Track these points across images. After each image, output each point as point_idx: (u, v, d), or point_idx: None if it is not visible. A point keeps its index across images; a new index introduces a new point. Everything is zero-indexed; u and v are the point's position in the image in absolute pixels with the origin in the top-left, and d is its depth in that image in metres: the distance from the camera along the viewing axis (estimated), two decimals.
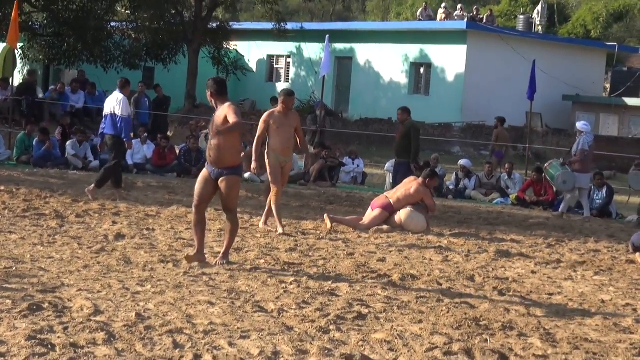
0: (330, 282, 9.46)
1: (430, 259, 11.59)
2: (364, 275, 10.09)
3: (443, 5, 44.01)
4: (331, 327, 7.48)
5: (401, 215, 13.99)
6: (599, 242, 14.48)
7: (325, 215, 13.87)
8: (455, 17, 41.47)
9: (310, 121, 27.10)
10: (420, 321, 7.98)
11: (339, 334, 7.32)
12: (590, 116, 38.33)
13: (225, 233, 10.30)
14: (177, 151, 21.76)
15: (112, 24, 35.55)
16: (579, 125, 18.56)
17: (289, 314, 7.89)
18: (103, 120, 15.61)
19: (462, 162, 22.36)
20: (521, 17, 43.95)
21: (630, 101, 38.14)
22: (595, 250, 13.58)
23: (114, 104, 15.31)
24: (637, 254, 12.38)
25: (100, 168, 20.37)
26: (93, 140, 21.79)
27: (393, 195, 14.28)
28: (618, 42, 46.06)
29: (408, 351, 6.89)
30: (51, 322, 7.06)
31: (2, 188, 15.45)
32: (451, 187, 21.43)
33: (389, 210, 14.05)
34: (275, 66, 43.14)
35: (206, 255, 10.22)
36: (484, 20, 40.16)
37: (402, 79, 38.32)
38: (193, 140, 21.71)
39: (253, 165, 12.85)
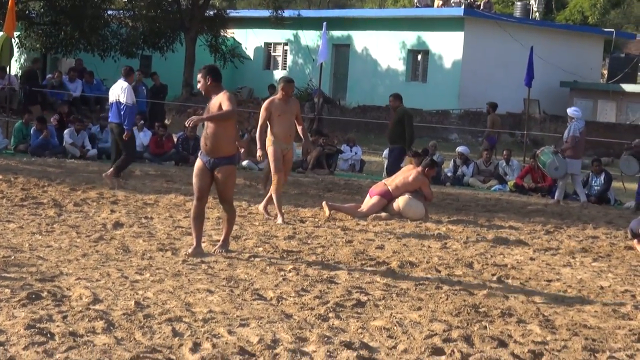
0: (328, 270, 9.47)
1: (429, 246, 11.59)
2: (363, 262, 10.09)
3: None
4: (330, 315, 7.48)
5: (399, 203, 13.99)
6: (597, 228, 14.49)
7: (324, 203, 13.86)
8: (453, 4, 41.36)
9: (307, 109, 27.09)
10: (419, 308, 7.98)
11: (338, 321, 7.32)
12: (588, 102, 38.32)
13: (223, 222, 10.29)
14: (175, 139, 21.75)
15: (109, 12, 35.49)
16: (570, 111, 18.56)
17: (288, 302, 7.89)
18: (109, 108, 15.75)
19: (459, 149, 22.35)
20: (518, 3, 43.83)
21: (628, 87, 38.12)
22: (594, 236, 13.59)
23: (119, 92, 15.42)
24: (636, 240, 12.38)
25: (98, 157, 20.49)
26: (91, 128, 21.78)
27: (391, 182, 14.27)
28: (615, 29, 46.02)
29: (407, 338, 6.89)
30: (50, 310, 7.06)
31: (0, 177, 15.43)
32: (449, 174, 21.44)
33: (387, 197, 14.05)
34: (272, 54, 43.06)
35: (204, 244, 10.21)
36: (481, 7, 40.06)
37: (400, 66, 38.27)
38: (191, 129, 21.66)
39: (258, 153, 12.82)
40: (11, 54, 23.60)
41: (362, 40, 39.29)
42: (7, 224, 11.09)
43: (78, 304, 7.35)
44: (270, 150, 12.94)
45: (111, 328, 6.69)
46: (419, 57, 38.16)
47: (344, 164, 22.70)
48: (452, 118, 34.41)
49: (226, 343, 6.46)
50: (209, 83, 9.80)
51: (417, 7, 41.88)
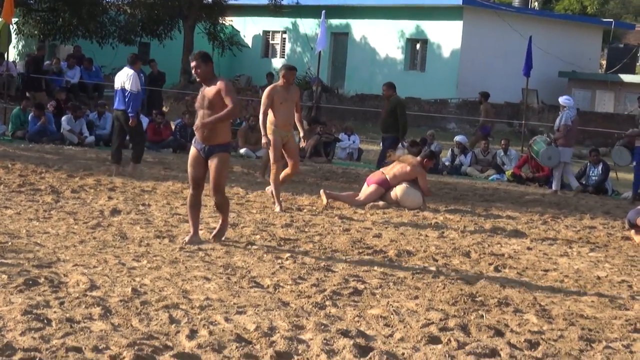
0: (326, 258, 9.47)
1: (426, 235, 11.60)
2: (360, 251, 10.09)
3: None
4: (327, 303, 7.49)
5: (397, 191, 13.98)
6: (594, 218, 14.50)
7: (321, 191, 13.85)
8: None
9: (306, 97, 27.07)
10: (416, 297, 7.98)
11: (335, 309, 7.32)
12: (586, 93, 38.35)
13: (219, 212, 10.18)
14: (173, 127, 21.73)
15: None
16: (562, 100, 18.60)
17: (285, 290, 7.90)
18: (114, 95, 15.88)
19: (457, 138, 22.35)
20: None
21: (626, 77, 38.13)
22: (591, 226, 13.60)
23: (124, 79, 15.47)
24: (633, 230, 12.39)
25: (96, 143, 20.48)
26: (88, 115, 21.75)
27: (389, 171, 14.26)
28: (614, 19, 46.04)
29: (404, 327, 6.90)
30: (47, 297, 7.06)
31: None
32: (447, 163, 21.44)
33: (385, 186, 14.04)
34: (271, 42, 43.03)
35: (201, 231, 10.21)
36: None
37: (398, 55, 38.25)
38: (188, 116, 21.66)
39: (264, 140, 12.71)
40: (9, 41, 23.55)
41: (360, 28, 39.26)
42: (5, 210, 11.09)
43: (75, 290, 7.34)
44: (270, 139, 12.86)
45: (108, 314, 6.69)
46: (418, 46, 38.15)
47: (342, 152, 22.69)
48: (450, 107, 34.42)
49: (223, 330, 6.46)
50: (208, 69, 9.71)
51: None
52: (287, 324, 6.73)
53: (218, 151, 9.68)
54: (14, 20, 28.45)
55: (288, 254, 9.50)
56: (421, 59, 37.95)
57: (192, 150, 9.85)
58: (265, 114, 12.77)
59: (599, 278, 9.56)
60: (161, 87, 28.12)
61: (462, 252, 10.50)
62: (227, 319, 6.76)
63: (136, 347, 5.86)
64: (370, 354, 6.07)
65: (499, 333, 6.92)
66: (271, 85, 13.18)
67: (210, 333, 6.37)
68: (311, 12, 37.82)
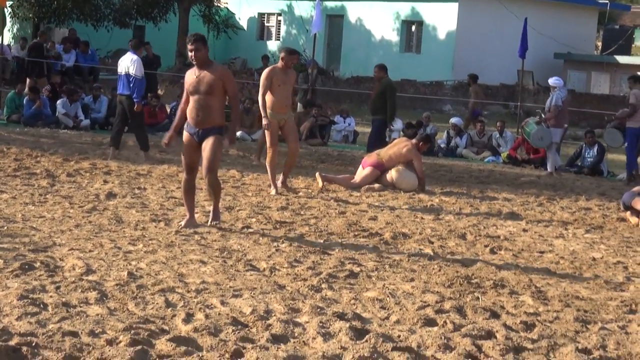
0: (322, 241, 9.48)
1: (422, 218, 11.60)
2: (356, 233, 10.10)
3: None
4: (323, 286, 7.50)
5: (393, 174, 13.98)
6: (590, 200, 14.51)
7: (317, 174, 13.86)
8: None
9: (301, 79, 26.99)
10: (412, 279, 8.00)
11: (331, 292, 7.33)
12: (582, 74, 38.32)
13: (210, 195, 10.06)
14: (168, 110, 21.68)
15: None
16: (552, 81, 18.59)
17: (281, 273, 7.90)
18: (118, 80, 15.86)
19: (453, 120, 22.32)
20: None
21: (622, 59, 38.09)
22: (587, 208, 13.61)
23: (128, 64, 15.44)
24: (628, 212, 12.41)
25: (91, 127, 20.45)
26: (84, 99, 21.70)
27: (385, 153, 14.25)
28: (610, 0, 45.93)
29: (400, 309, 6.90)
30: (43, 281, 7.06)
31: None
32: (442, 145, 21.43)
33: (380, 168, 14.03)
34: (266, 24, 42.93)
35: (197, 215, 10.21)
36: None
37: (394, 37, 38.18)
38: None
39: (264, 121, 12.68)
40: (3, 24, 23.52)
41: (356, 10, 39.17)
42: (0, 195, 11.08)
43: (71, 274, 7.35)
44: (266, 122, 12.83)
45: (104, 299, 6.70)
46: (413, 28, 38.08)
47: (337, 135, 22.67)
48: (446, 89, 34.39)
49: (219, 314, 6.47)
50: (206, 52, 9.65)
51: None
52: (283, 307, 6.73)
53: (213, 133, 9.63)
54: (8, 3, 28.40)
55: (284, 237, 9.50)
56: (417, 41, 37.89)
57: (185, 135, 9.80)
58: (264, 96, 12.72)
59: (594, 259, 9.57)
60: (156, 70, 28.02)
61: (457, 234, 10.51)
62: (223, 303, 6.76)
63: (132, 331, 5.87)
64: (366, 336, 6.07)
65: (495, 315, 6.93)
66: (270, 67, 13.14)
67: (207, 317, 6.37)
68: None
